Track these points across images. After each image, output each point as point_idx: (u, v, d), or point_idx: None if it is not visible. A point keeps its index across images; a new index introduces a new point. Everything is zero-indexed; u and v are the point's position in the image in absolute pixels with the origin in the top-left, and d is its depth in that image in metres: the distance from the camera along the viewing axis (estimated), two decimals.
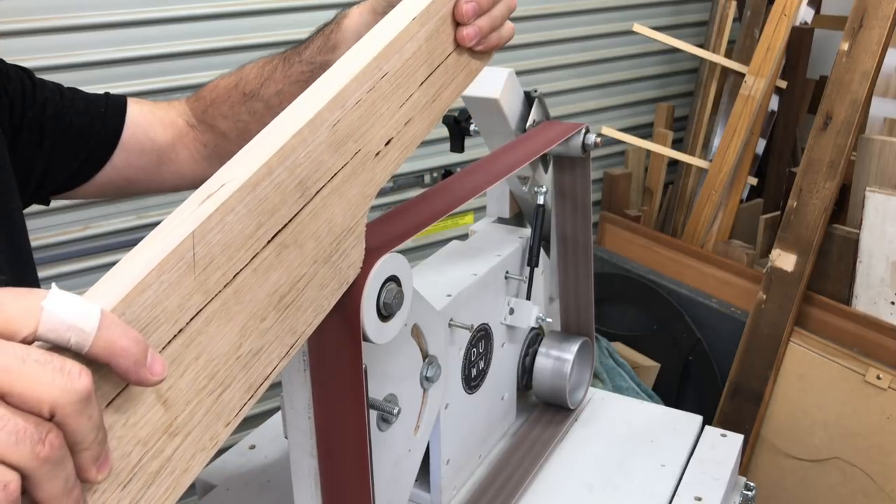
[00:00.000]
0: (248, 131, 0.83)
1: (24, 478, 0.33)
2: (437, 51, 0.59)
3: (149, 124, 0.86)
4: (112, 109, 0.85)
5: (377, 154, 0.53)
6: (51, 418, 0.33)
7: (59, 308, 0.34)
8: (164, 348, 0.39)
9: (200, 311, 0.41)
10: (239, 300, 0.43)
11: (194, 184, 0.92)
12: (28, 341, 0.34)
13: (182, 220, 0.41)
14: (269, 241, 0.45)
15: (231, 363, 0.43)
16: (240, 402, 0.45)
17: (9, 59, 1.32)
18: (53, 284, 0.36)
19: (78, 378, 0.33)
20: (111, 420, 0.37)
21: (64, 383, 0.33)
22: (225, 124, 0.85)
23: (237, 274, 0.43)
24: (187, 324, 0.40)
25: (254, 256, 0.44)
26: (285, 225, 0.46)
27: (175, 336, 0.40)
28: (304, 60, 0.78)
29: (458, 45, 0.62)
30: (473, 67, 0.64)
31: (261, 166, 0.44)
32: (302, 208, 0.47)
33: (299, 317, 0.48)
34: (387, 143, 0.54)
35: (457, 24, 0.61)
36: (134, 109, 0.86)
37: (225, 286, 0.42)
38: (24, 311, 0.34)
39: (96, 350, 0.35)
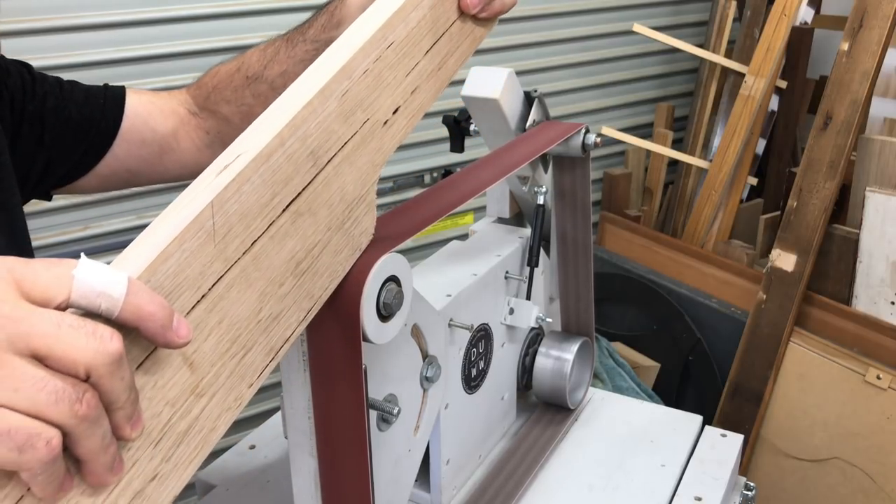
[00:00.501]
0: (253, 115, 0.83)
1: (65, 435, 0.35)
2: (441, 19, 0.60)
3: (149, 114, 0.86)
4: (111, 101, 0.85)
5: (385, 123, 0.55)
6: (86, 379, 0.35)
7: (89, 276, 0.36)
8: (188, 314, 0.41)
9: (221, 277, 0.43)
10: (258, 267, 0.45)
11: (197, 173, 0.91)
12: (62, 308, 0.36)
13: (200, 190, 0.43)
14: (283, 210, 0.47)
15: (252, 327, 0.45)
16: (262, 364, 0.46)
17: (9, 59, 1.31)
18: (83, 254, 0.37)
19: (110, 341, 0.35)
20: (141, 382, 0.39)
21: (97, 346, 0.35)
22: (228, 109, 0.85)
23: (255, 242, 0.45)
24: (209, 290, 0.42)
25: (270, 224, 0.46)
26: (299, 194, 0.48)
27: (198, 302, 0.42)
28: (308, 39, 0.79)
29: (462, 13, 0.62)
30: (477, 34, 0.65)
31: (273, 137, 0.46)
32: (314, 177, 0.49)
33: (316, 282, 0.50)
34: (394, 112, 0.55)
35: None
36: (133, 99, 0.86)
37: (244, 253, 0.44)
38: (57, 279, 0.36)
39: (125, 315, 0.37)
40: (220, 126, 0.87)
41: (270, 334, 0.47)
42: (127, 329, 0.37)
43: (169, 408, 0.41)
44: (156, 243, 0.40)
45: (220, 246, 0.43)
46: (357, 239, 0.53)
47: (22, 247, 0.77)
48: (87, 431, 0.35)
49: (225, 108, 0.85)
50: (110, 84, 0.87)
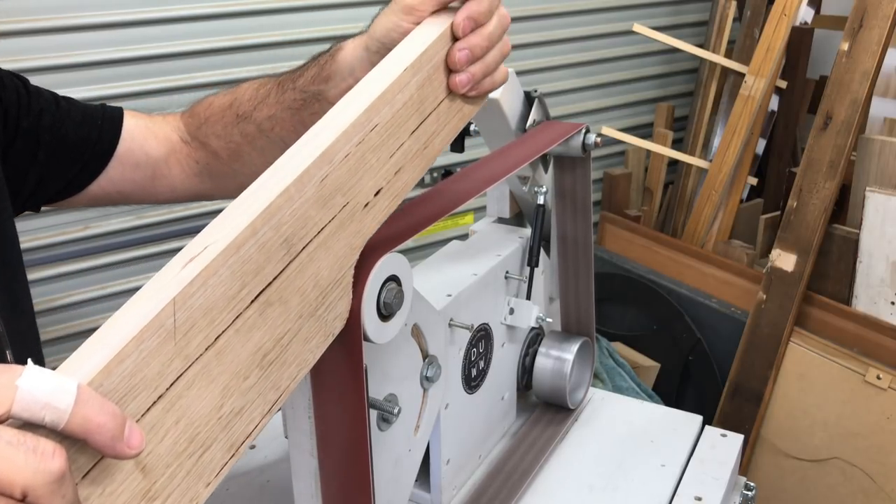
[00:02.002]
0: (240, 152, 0.83)
1: None
2: (428, 98, 0.58)
3: (144, 138, 0.86)
4: (108, 122, 0.84)
5: (366, 205, 0.52)
6: (23, 499, 0.33)
7: (33, 386, 0.34)
8: (142, 416, 0.39)
9: (181, 375, 0.41)
10: (221, 362, 0.43)
11: (186, 198, 0.92)
12: (1, 420, 0.34)
13: (164, 283, 0.41)
14: (252, 301, 0.44)
15: (212, 424, 0.43)
16: (221, 461, 0.44)
17: (9, 59, 1.32)
18: (29, 361, 0.35)
19: (52, 458, 0.33)
20: (87, 492, 0.37)
21: (37, 465, 0.33)
22: (217, 143, 0.84)
23: (219, 336, 0.43)
24: (167, 389, 0.40)
25: (237, 317, 0.43)
26: (269, 283, 0.45)
27: (154, 403, 0.39)
28: (297, 88, 0.77)
29: (451, 91, 0.60)
30: (466, 112, 0.63)
31: (245, 227, 0.43)
32: (287, 265, 0.46)
33: (283, 372, 0.47)
34: (376, 194, 0.53)
35: (449, 70, 0.60)
36: (130, 123, 0.86)
37: (206, 349, 0.42)
38: None
39: (72, 427, 0.34)
40: (209, 159, 0.87)
41: (231, 430, 0.44)
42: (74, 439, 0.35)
43: None
44: (112, 343, 0.38)
45: (180, 343, 0.40)
46: (331, 324, 0.51)
47: (9, 261, 0.76)
48: None
49: (214, 142, 0.84)
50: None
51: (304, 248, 0.47)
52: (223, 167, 0.86)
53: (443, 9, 0.62)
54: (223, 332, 0.43)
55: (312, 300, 0.49)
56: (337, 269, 0.51)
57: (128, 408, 0.38)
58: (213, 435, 0.43)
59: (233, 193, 0.91)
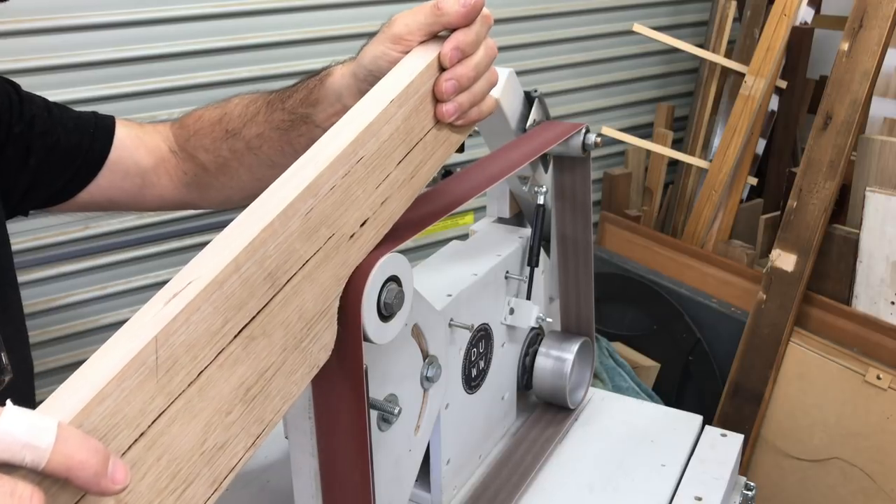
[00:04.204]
0: (228, 167, 0.83)
1: None
2: (415, 129, 0.58)
3: (135, 147, 0.86)
4: (101, 130, 0.84)
5: (352, 236, 0.52)
6: None
7: (12, 427, 0.33)
8: (123, 454, 0.39)
9: (163, 412, 0.40)
10: (203, 397, 0.43)
11: (175, 207, 0.92)
12: None
13: (146, 321, 0.40)
14: (235, 336, 0.44)
15: (195, 459, 0.43)
16: (204, 496, 0.44)
17: (9, 59, 1.32)
18: (8, 402, 0.34)
19: (29, 502, 0.33)
20: None
21: None
22: (205, 157, 0.84)
23: (202, 372, 0.42)
24: (149, 427, 0.40)
25: (219, 353, 0.43)
26: (253, 317, 0.45)
27: (136, 440, 0.39)
28: (286, 109, 0.77)
29: (438, 121, 0.60)
30: (453, 140, 0.63)
31: (228, 263, 0.43)
32: (271, 299, 0.46)
33: (267, 406, 0.47)
34: (362, 224, 0.53)
35: (436, 99, 0.60)
36: (122, 132, 0.86)
37: (189, 385, 0.42)
38: None
39: (53, 466, 0.34)
40: (197, 171, 0.87)
41: (215, 465, 0.44)
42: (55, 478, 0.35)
43: None
44: (93, 382, 0.37)
45: (162, 381, 0.40)
46: (315, 356, 0.50)
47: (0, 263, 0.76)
48: None
49: (202, 155, 0.85)
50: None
51: (288, 281, 0.47)
52: (211, 180, 0.86)
53: (431, 38, 0.62)
54: (206, 367, 0.42)
55: (297, 332, 0.49)
56: (322, 301, 0.50)
57: (109, 446, 0.38)
58: (196, 470, 0.43)
59: (220, 205, 0.92)
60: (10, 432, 0.33)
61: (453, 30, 0.60)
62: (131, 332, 0.40)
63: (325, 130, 0.54)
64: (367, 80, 0.66)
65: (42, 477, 0.34)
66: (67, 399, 0.37)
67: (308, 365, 0.50)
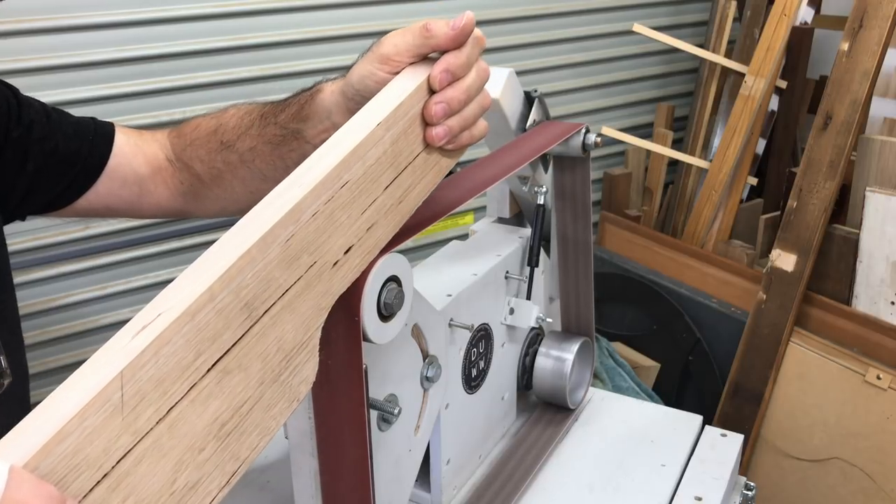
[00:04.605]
0: (222, 179, 0.83)
1: None
2: (404, 153, 0.56)
3: (133, 155, 0.86)
4: (100, 137, 0.84)
5: (335, 264, 0.50)
6: None
7: None
8: (85, 497, 0.36)
9: (129, 451, 0.38)
10: (173, 435, 0.40)
11: (172, 215, 0.92)
12: None
13: (112, 354, 0.38)
14: (209, 370, 0.42)
15: (164, 500, 0.40)
16: None
17: (9, 59, 1.33)
18: None
19: None
20: None
21: None
22: (200, 167, 0.84)
23: (171, 408, 0.40)
24: (113, 467, 0.37)
25: (191, 387, 0.41)
26: (228, 350, 0.43)
27: (99, 482, 0.37)
28: (278, 124, 0.77)
29: (428, 145, 0.58)
30: (444, 164, 0.61)
31: (202, 293, 0.41)
32: (248, 330, 0.44)
33: (242, 442, 0.45)
34: (346, 252, 0.51)
35: (426, 122, 0.58)
36: (121, 139, 0.86)
37: (158, 422, 0.39)
38: None
39: None
40: (193, 180, 0.87)
41: None
42: None
43: None
44: (53, 420, 0.35)
45: (128, 418, 0.38)
46: (295, 389, 0.48)
47: None
48: None
49: (198, 166, 0.84)
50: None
51: (266, 311, 0.45)
52: (206, 190, 0.86)
53: (421, 59, 0.61)
54: (176, 403, 0.40)
55: (276, 365, 0.46)
56: (303, 332, 0.48)
57: (69, 488, 0.36)
58: None
59: (216, 215, 0.92)
60: None
61: (444, 52, 0.59)
62: (96, 367, 0.38)
63: (315, 147, 0.52)
64: (356, 98, 0.65)
65: None
66: (24, 439, 0.35)
67: (287, 399, 0.48)
